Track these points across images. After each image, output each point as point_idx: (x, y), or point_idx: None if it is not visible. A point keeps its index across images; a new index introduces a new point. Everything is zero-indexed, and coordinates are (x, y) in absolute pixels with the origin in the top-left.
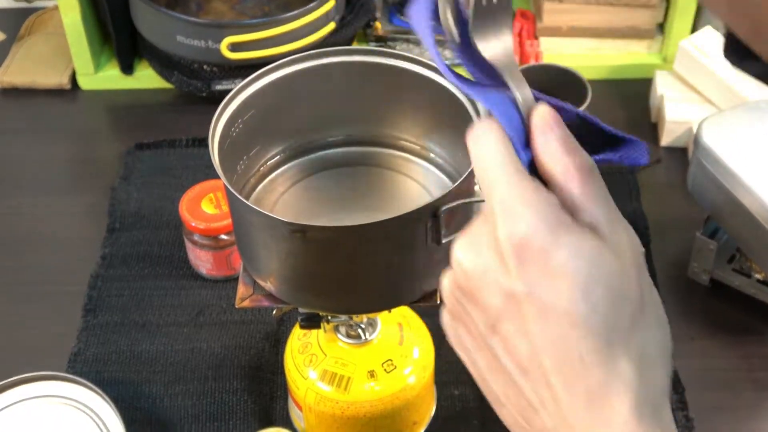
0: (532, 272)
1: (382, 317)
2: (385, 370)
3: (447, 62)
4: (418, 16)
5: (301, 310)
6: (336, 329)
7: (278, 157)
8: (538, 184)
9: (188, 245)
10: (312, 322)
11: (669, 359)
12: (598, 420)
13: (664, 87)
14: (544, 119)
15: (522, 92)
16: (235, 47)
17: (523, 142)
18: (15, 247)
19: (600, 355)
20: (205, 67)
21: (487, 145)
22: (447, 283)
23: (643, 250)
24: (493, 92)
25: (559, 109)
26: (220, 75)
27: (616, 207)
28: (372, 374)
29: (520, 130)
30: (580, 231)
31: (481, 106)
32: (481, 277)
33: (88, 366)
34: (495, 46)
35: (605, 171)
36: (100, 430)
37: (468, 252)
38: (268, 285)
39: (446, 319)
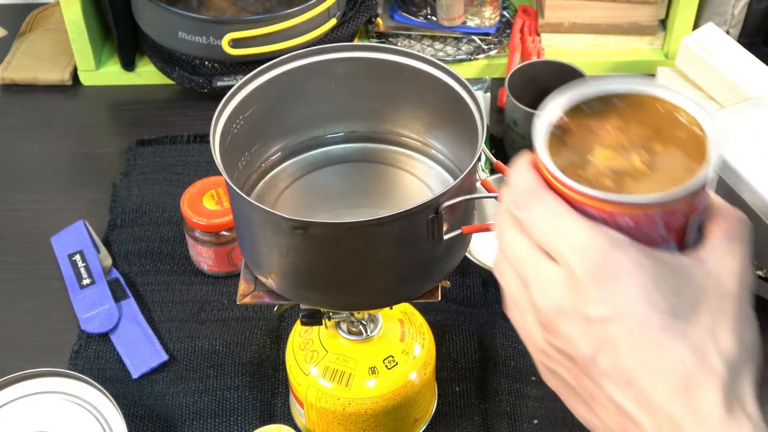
0: (608, 291)
1: (384, 314)
2: (386, 366)
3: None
4: None
5: (302, 306)
6: (337, 326)
7: (280, 153)
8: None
9: (189, 241)
10: (313, 318)
11: (755, 367)
12: (693, 412)
13: (665, 83)
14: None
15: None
16: (236, 43)
17: None
18: (16, 244)
19: (688, 349)
20: (206, 63)
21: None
22: (537, 335)
23: (745, 279)
24: None
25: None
26: (222, 71)
27: (740, 254)
28: (373, 371)
29: None
30: (637, 246)
31: (482, 104)
32: (566, 312)
33: (89, 363)
34: None
35: None
36: (102, 426)
37: (548, 294)
38: (270, 281)
39: (542, 365)
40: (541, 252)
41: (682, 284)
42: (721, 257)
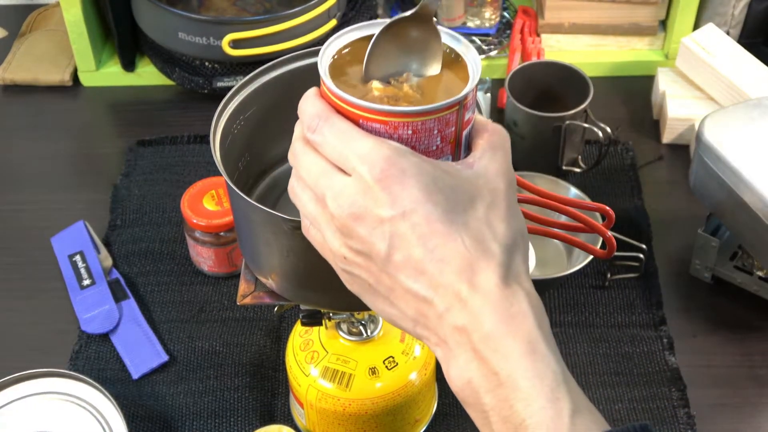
0: (394, 193)
1: None
2: (386, 367)
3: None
4: None
5: (302, 307)
6: (337, 326)
7: (280, 154)
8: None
9: (190, 242)
10: (313, 319)
11: (526, 248)
12: (476, 287)
13: (666, 84)
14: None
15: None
16: (236, 44)
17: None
18: (17, 244)
19: (468, 237)
20: (206, 63)
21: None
22: (337, 243)
23: (509, 178)
24: None
25: None
26: (222, 72)
27: (502, 157)
28: (373, 371)
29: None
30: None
31: (482, 105)
32: (361, 216)
33: (90, 363)
34: None
35: (609, 170)
36: (102, 427)
37: (344, 201)
38: (270, 282)
39: (343, 270)
40: (335, 168)
41: (457, 184)
42: (487, 161)
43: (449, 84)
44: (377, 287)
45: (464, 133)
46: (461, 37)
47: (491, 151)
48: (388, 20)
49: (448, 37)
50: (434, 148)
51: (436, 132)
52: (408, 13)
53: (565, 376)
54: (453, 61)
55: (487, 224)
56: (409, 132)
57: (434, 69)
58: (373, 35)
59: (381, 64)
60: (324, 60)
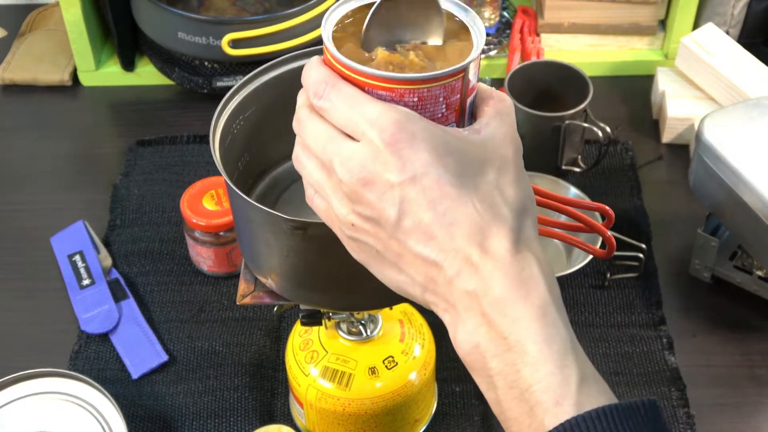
0: (405, 157)
1: (384, 314)
2: (386, 366)
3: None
4: None
5: (302, 306)
6: (337, 326)
7: (279, 153)
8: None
9: (189, 242)
10: (313, 318)
11: (535, 213)
12: (487, 252)
13: (665, 83)
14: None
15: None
16: (236, 44)
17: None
18: (16, 244)
19: (479, 201)
20: (206, 63)
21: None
22: (345, 210)
23: (516, 144)
24: None
25: None
26: (222, 71)
27: (509, 124)
28: (373, 371)
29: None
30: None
31: None
32: (371, 181)
33: (89, 363)
34: None
35: (609, 169)
36: (102, 427)
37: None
38: (269, 282)
39: (349, 238)
40: (342, 134)
41: (467, 149)
42: (495, 127)
43: (454, 52)
44: (385, 254)
45: (468, 100)
46: (466, 6)
47: (498, 118)
48: None
49: (452, 6)
50: (439, 115)
51: (441, 99)
52: None
53: (574, 344)
54: (458, 30)
55: (498, 189)
56: (415, 99)
57: (435, 38)
58: (375, 2)
59: (382, 30)
60: (327, 27)
